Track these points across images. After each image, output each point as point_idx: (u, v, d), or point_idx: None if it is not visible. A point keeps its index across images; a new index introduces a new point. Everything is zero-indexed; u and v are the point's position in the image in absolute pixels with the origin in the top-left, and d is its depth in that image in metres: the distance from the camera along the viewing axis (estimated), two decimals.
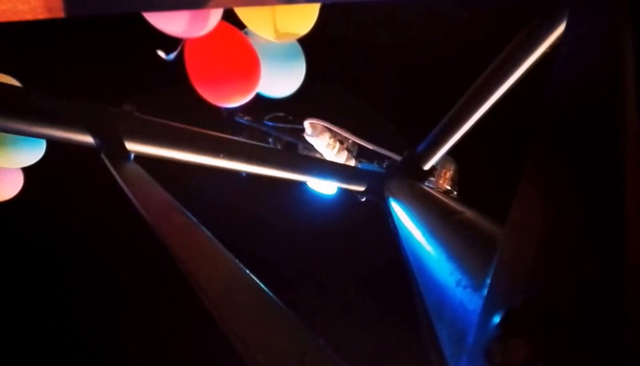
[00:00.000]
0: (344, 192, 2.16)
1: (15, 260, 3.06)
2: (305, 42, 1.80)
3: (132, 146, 1.43)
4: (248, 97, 1.70)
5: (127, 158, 1.39)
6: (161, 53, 1.57)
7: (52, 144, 1.74)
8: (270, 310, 0.79)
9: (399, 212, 1.48)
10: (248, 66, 1.65)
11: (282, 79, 1.82)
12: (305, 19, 1.62)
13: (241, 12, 1.52)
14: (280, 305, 0.80)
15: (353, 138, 2.17)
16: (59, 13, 0.92)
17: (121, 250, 3.07)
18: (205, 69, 1.64)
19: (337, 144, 2.16)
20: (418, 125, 2.01)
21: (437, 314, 0.83)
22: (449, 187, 1.99)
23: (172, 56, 1.58)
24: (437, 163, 1.94)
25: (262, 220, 3.19)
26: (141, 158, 1.44)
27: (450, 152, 1.90)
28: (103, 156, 1.38)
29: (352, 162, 2.24)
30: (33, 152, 1.78)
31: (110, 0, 1.06)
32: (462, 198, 1.97)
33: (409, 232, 1.22)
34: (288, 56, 1.79)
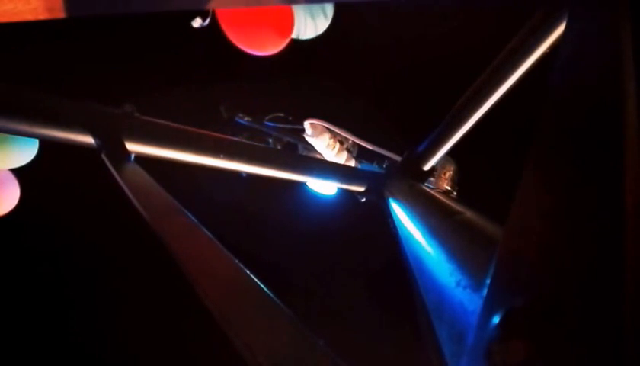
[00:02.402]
0: (343, 192, 2.16)
1: (15, 260, 3.06)
2: (305, 43, 1.80)
3: (132, 147, 1.43)
4: (282, 45, 1.67)
5: (128, 159, 1.40)
6: (195, 23, 1.54)
7: (53, 145, 1.74)
8: (271, 311, 0.79)
9: (399, 212, 1.48)
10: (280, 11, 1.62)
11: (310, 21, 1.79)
12: None
13: None
14: (280, 306, 0.80)
15: (353, 138, 2.17)
16: (60, 13, 0.92)
17: (121, 251, 3.07)
18: (238, 15, 1.61)
19: (337, 144, 2.16)
20: (418, 125, 2.01)
21: (437, 314, 0.83)
22: (448, 188, 1.99)
23: (206, 22, 1.54)
24: (437, 164, 1.94)
25: (262, 221, 3.19)
26: (141, 159, 1.44)
27: (450, 153, 1.90)
28: (103, 157, 1.38)
29: (352, 163, 2.24)
30: (25, 152, 1.77)
31: (110, 0, 1.06)
32: (462, 198, 1.98)
33: (409, 233, 1.22)
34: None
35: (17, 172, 1.86)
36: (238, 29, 1.62)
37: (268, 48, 1.67)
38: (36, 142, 1.74)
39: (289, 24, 1.64)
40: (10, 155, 1.75)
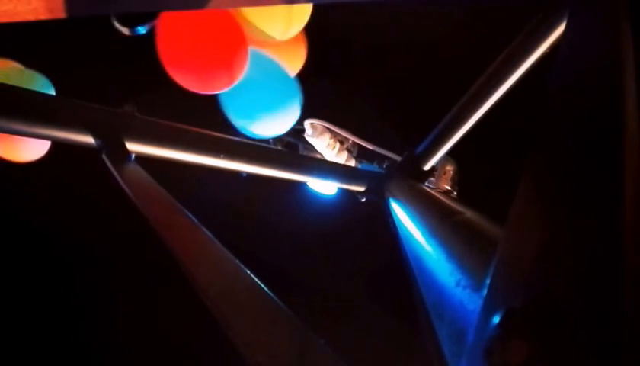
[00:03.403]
0: (344, 192, 2.16)
1: (16, 259, 3.06)
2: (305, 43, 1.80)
3: (132, 147, 1.43)
4: (233, 83, 1.55)
5: (128, 159, 1.39)
6: (123, 29, 1.41)
7: (54, 144, 1.74)
8: (271, 311, 0.79)
9: (399, 212, 1.48)
10: (232, 43, 1.50)
11: (276, 121, 1.78)
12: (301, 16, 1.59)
13: (246, 11, 1.48)
14: (280, 305, 0.80)
15: (353, 138, 2.17)
16: (60, 13, 0.92)
17: (121, 251, 3.07)
18: (180, 50, 1.48)
19: (338, 144, 2.16)
20: (418, 125, 2.01)
21: (437, 314, 0.83)
22: (448, 188, 1.99)
23: (143, 30, 1.43)
24: (437, 163, 1.95)
25: (262, 221, 3.19)
26: (142, 159, 1.44)
27: (450, 152, 1.90)
28: (104, 157, 1.38)
29: (352, 163, 2.24)
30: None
31: (110, 0, 1.06)
32: (462, 198, 1.98)
33: (409, 233, 1.22)
34: (283, 96, 1.74)
35: (19, 171, 1.86)
36: (180, 70, 1.52)
37: (211, 89, 1.58)
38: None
39: (242, 60, 1.52)
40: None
